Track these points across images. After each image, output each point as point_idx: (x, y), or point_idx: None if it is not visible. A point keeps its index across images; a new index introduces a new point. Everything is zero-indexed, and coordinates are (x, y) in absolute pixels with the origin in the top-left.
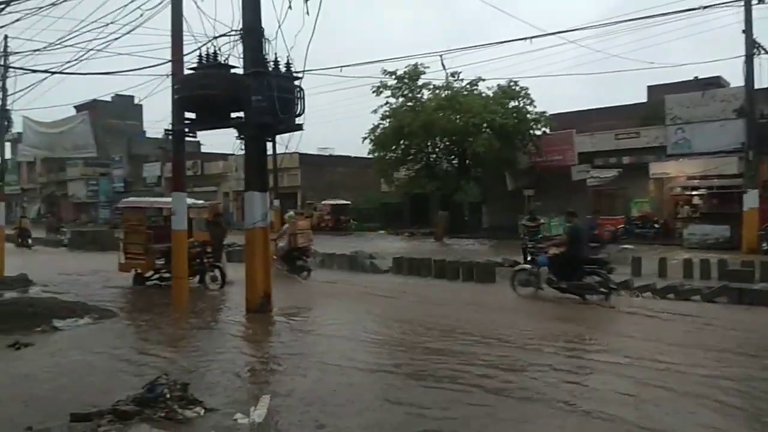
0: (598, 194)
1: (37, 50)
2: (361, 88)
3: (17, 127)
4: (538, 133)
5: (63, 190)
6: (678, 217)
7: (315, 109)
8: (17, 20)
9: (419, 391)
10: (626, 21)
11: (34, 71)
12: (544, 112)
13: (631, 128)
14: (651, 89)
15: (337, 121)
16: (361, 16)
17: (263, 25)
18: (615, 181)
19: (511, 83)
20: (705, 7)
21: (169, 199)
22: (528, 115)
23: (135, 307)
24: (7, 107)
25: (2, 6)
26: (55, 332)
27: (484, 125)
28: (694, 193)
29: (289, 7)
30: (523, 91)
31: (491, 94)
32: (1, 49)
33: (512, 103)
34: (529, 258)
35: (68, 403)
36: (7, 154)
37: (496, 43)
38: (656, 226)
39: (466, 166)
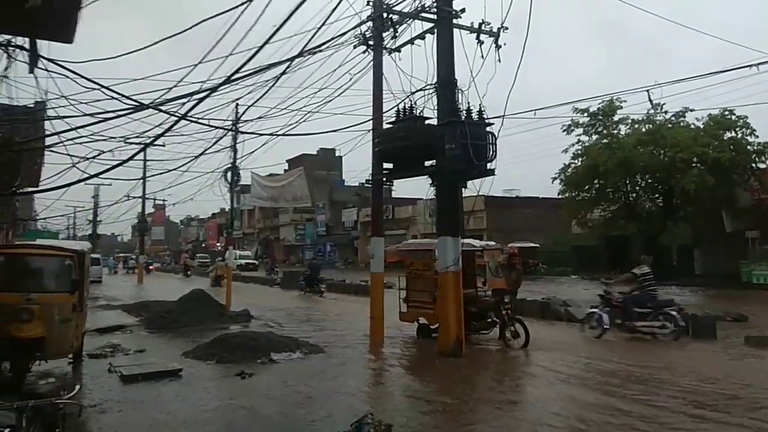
0: None
1: (261, 117)
2: (549, 128)
3: (243, 180)
4: (762, 166)
5: (276, 234)
6: None
7: (501, 151)
8: (249, 93)
9: None
10: None
11: (261, 134)
12: None
13: None
14: None
15: (525, 162)
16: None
17: (456, 76)
18: None
19: (725, 112)
20: None
21: (468, 240)
22: (748, 147)
23: (339, 343)
24: (237, 165)
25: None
26: (272, 364)
27: (694, 160)
28: None
29: (483, 57)
30: (741, 120)
31: (701, 126)
32: (233, 117)
33: (728, 134)
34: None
35: None
36: (234, 204)
37: (714, 73)
38: None
39: (673, 206)
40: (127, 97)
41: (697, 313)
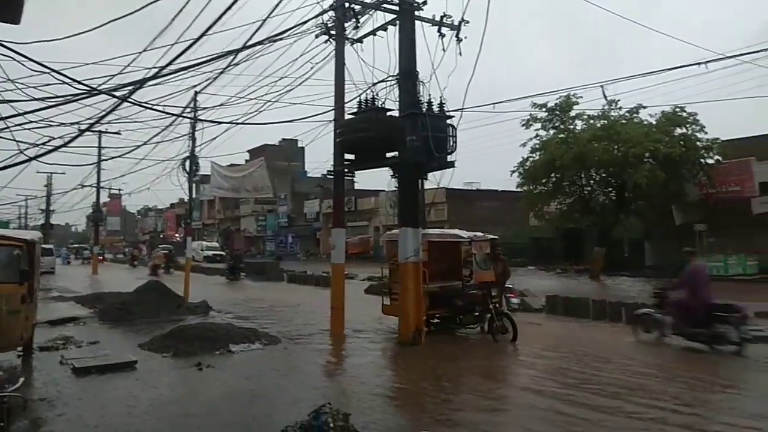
0: None
1: (222, 104)
2: (507, 123)
3: (203, 170)
4: (710, 162)
5: (236, 225)
6: None
7: (461, 144)
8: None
9: None
10: None
11: (219, 123)
12: (717, 139)
13: None
14: None
15: (484, 155)
16: (512, 53)
17: (418, 69)
18: None
19: (677, 109)
20: None
21: (444, 231)
22: (698, 143)
23: (299, 334)
24: (195, 154)
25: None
26: (230, 355)
27: (646, 155)
28: None
29: (443, 49)
30: (691, 117)
31: (654, 122)
32: (192, 105)
33: (678, 131)
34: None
35: (241, 425)
36: (193, 194)
37: (665, 69)
38: None
39: (626, 199)
40: (79, 82)
41: (646, 302)
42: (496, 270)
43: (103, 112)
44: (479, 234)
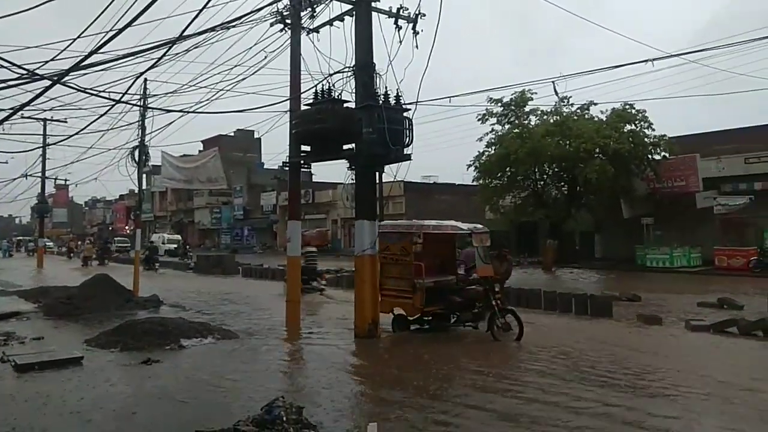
0: (726, 223)
1: (173, 92)
2: (464, 117)
3: (153, 160)
4: (657, 157)
5: (190, 218)
6: None
7: (419, 137)
8: (154, 62)
9: None
10: (759, 39)
11: (170, 111)
12: (664, 136)
13: (764, 151)
14: None
15: (441, 148)
16: (467, 48)
17: (374, 61)
18: (746, 208)
19: (626, 106)
20: None
21: (441, 223)
22: (646, 139)
23: (254, 328)
24: (146, 143)
25: (140, 53)
26: (181, 350)
27: (596, 150)
28: None
29: (400, 41)
30: (640, 114)
31: (604, 119)
32: (141, 92)
33: (628, 127)
34: None
35: (191, 422)
36: (144, 185)
37: (613, 67)
38: None
39: (577, 193)
40: (18, 66)
41: (595, 293)
42: (500, 268)
43: (35, 95)
44: (479, 226)
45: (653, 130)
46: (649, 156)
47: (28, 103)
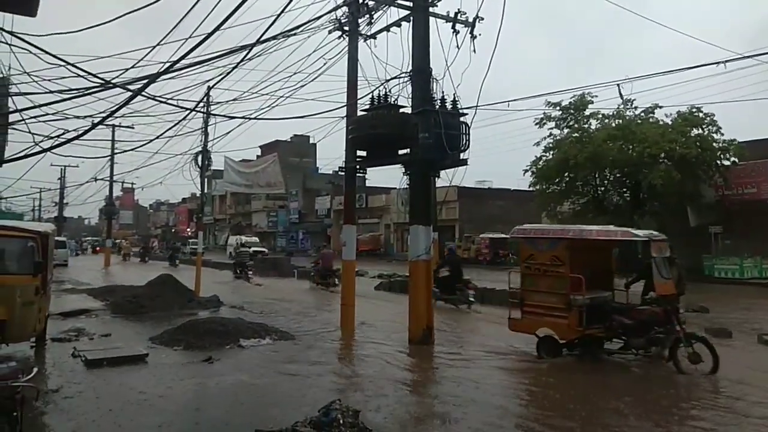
0: None
1: (234, 99)
2: (521, 121)
3: (215, 165)
4: (726, 163)
5: (248, 221)
6: None
7: (474, 142)
8: (221, 76)
9: None
10: None
11: (232, 117)
12: (734, 140)
13: None
14: None
15: (496, 154)
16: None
17: (431, 65)
18: None
19: (693, 109)
20: None
21: (607, 228)
22: (714, 144)
23: (311, 330)
24: (208, 149)
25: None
26: (241, 350)
27: (662, 155)
28: None
29: (458, 47)
30: (708, 118)
31: (669, 122)
32: (205, 100)
33: (695, 131)
34: None
35: (250, 421)
36: (205, 189)
37: (683, 68)
38: None
39: (641, 200)
40: (94, 75)
41: None
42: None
43: (116, 106)
44: (655, 233)
45: (722, 134)
46: (718, 161)
47: (114, 112)
